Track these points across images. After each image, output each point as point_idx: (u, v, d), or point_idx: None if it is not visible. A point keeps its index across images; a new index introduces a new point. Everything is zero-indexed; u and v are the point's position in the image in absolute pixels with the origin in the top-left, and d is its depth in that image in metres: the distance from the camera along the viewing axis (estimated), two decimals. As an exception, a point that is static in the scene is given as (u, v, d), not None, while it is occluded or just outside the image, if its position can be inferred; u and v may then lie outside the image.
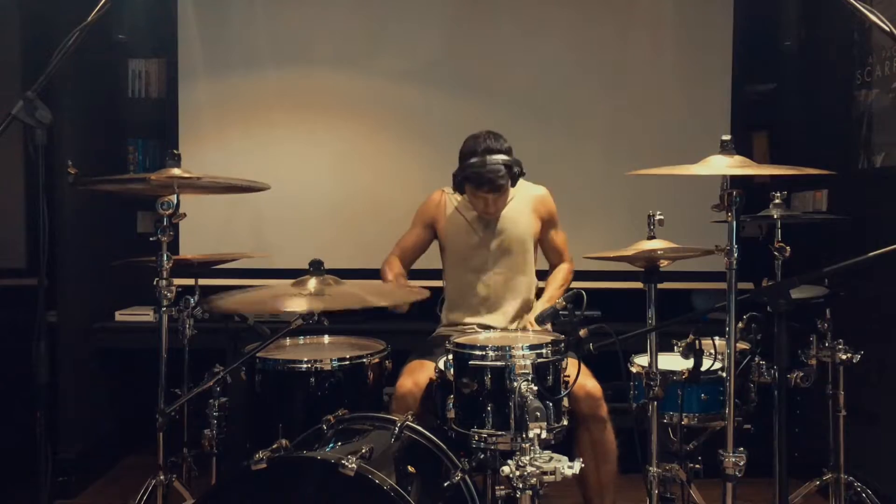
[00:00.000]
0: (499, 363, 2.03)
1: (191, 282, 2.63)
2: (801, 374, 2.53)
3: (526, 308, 2.89)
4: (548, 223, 2.94)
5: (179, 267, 2.40)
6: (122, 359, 3.67)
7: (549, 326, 2.34)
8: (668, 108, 3.79)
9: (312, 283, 2.08)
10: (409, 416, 2.16)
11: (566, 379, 2.10)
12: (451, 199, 2.92)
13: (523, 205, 2.89)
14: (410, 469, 2.02)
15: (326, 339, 2.69)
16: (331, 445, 2.04)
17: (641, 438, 2.18)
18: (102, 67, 3.81)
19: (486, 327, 2.78)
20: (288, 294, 2.05)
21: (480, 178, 2.67)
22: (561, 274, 2.95)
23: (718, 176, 1.91)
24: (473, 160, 2.67)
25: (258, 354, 2.34)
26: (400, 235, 2.98)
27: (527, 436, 1.73)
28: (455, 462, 2.09)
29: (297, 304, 2.01)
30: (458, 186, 2.78)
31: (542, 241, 2.97)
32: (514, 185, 2.76)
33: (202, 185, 2.35)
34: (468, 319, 2.87)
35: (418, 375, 2.52)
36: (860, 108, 3.20)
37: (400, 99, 3.82)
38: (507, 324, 2.84)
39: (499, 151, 2.68)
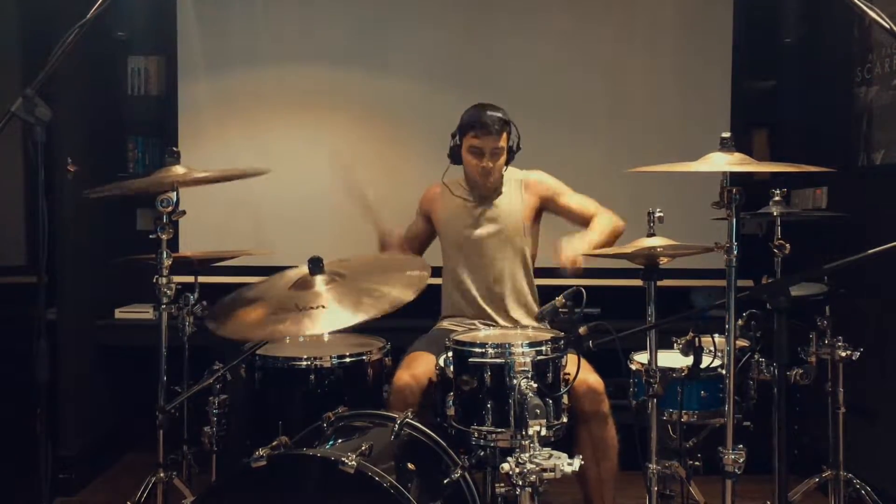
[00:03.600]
0: (498, 360, 2.03)
1: (191, 279, 2.64)
2: (801, 371, 2.54)
3: (523, 295, 2.89)
4: (552, 197, 2.90)
5: (179, 264, 2.40)
6: (121, 356, 3.67)
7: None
8: (668, 105, 3.79)
9: (317, 283, 2.07)
10: (409, 413, 2.16)
11: (566, 376, 2.10)
12: (446, 190, 2.93)
13: (515, 191, 2.90)
14: (410, 466, 2.02)
15: (326, 336, 2.69)
16: (331, 443, 2.05)
17: (641, 435, 2.18)
18: (102, 65, 3.81)
19: (485, 321, 2.79)
20: (293, 309, 2.02)
21: (474, 122, 2.74)
22: (599, 220, 2.77)
23: (718, 173, 1.91)
24: (470, 111, 2.79)
25: (258, 352, 2.35)
26: (399, 232, 3.00)
27: (526, 433, 1.73)
28: (455, 459, 2.09)
29: (311, 326, 2.01)
30: (455, 154, 2.84)
31: (562, 212, 2.91)
32: (510, 159, 2.83)
33: (201, 178, 2.35)
34: (463, 308, 2.87)
35: (416, 368, 2.52)
36: (860, 106, 3.20)
37: (400, 96, 3.82)
38: (504, 314, 2.85)
39: (494, 109, 2.78)
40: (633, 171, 2.07)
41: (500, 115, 2.76)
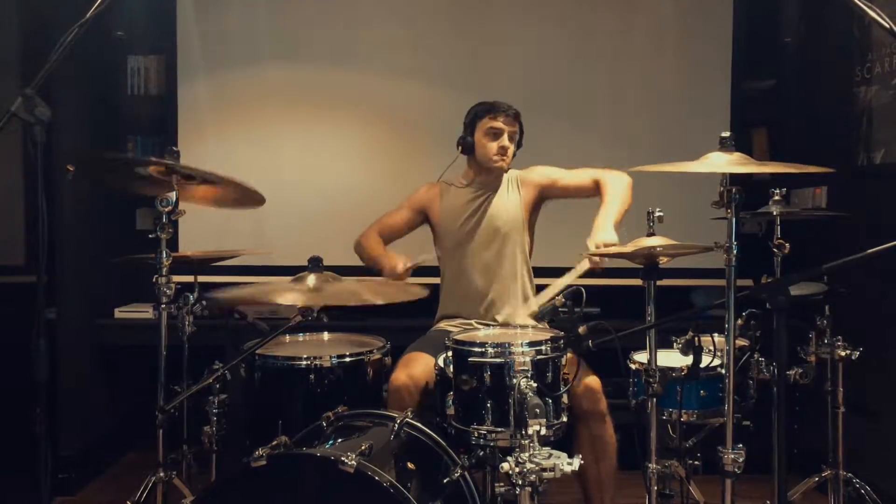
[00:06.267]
0: (498, 360, 2.03)
1: (190, 279, 2.63)
2: (801, 370, 2.53)
3: (523, 294, 2.88)
4: (550, 184, 2.90)
5: (179, 264, 2.40)
6: (121, 356, 3.67)
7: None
8: (668, 105, 3.79)
9: (311, 279, 2.08)
10: (409, 413, 2.16)
11: (565, 376, 2.10)
12: (445, 189, 2.95)
13: (512, 189, 2.92)
14: (410, 466, 2.02)
15: (326, 336, 2.69)
16: (330, 442, 2.05)
17: (641, 435, 2.18)
18: (101, 64, 3.81)
19: (483, 320, 2.80)
20: (286, 289, 2.05)
21: (495, 105, 2.83)
22: (609, 188, 2.71)
23: (718, 173, 1.91)
24: (479, 105, 2.86)
25: (258, 351, 2.35)
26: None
27: (526, 432, 1.74)
28: (454, 459, 2.09)
29: (295, 298, 2.01)
30: (466, 143, 2.87)
31: (565, 194, 2.89)
32: (517, 146, 2.89)
33: (199, 197, 2.35)
34: (462, 307, 2.87)
35: (413, 368, 2.52)
36: (860, 105, 3.20)
37: (399, 95, 3.82)
38: (502, 311, 2.84)
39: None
40: (633, 171, 2.07)
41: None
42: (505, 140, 2.82)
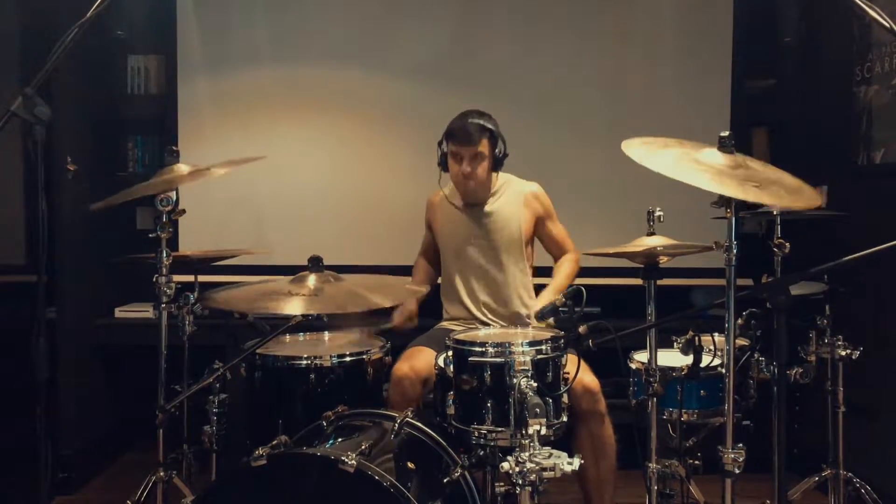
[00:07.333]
0: (498, 359, 2.03)
1: (190, 278, 2.64)
2: (801, 370, 2.54)
3: (522, 302, 2.89)
4: (543, 218, 2.93)
5: (179, 263, 2.40)
6: (121, 355, 3.67)
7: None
8: (668, 104, 3.79)
9: (311, 280, 2.07)
10: (409, 413, 2.16)
11: (566, 375, 2.10)
12: (445, 198, 2.94)
13: (514, 200, 2.90)
14: (410, 465, 2.02)
15: (326, 335, 2.69)
16: (330, 442, 2.05)
17: (641, 435, 2.18)
18: (101, 64, 3.81)
19: (483, 323, 2.80)
20: (286, 293, 2.04)
21: (453, 129, 2.78)
22: (566, 264, 2.92)
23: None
24: (454, 119, 2.81)
25: (258, 351, 2.35)
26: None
27: (526, 432, 1.73)
28: (455, 458, 2.09)
29: (295, 307, 1.99)
30: (443, 161, 2.85)
31: (542, 237, 2.96)
32: (496, 166, 2.83)
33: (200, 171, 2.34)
34: (462, 314, 2.88)
35: (415, 360, 2.54)
36: (860, 105, 3.20)
37: (399, 96, 3.82)
38: (502, 321, 2.84)
39: (478, 116, 2.79)
40: (636, 162, 2.06)
41: (481, 122, 2.77)
42: (465, 165, 2.77)
